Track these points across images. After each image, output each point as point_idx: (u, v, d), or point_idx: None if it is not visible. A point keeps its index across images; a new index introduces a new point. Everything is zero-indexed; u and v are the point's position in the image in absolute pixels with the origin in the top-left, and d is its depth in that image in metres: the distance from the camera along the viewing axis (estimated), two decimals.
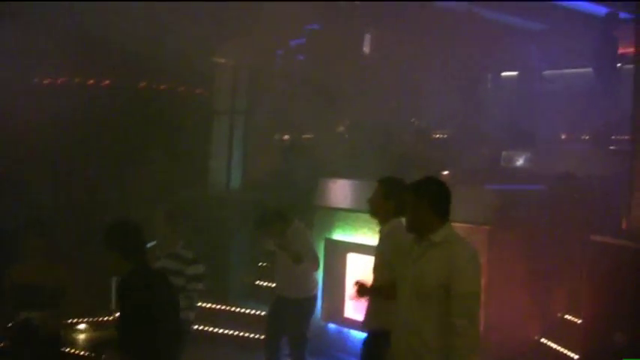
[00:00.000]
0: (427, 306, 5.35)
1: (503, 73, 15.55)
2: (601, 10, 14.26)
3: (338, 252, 10.59)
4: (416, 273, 5.46)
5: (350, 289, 9.52)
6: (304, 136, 14.42)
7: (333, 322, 10.71)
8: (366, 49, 15.05)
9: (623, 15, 13.57)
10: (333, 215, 10.83)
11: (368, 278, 6.92)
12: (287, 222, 8.96)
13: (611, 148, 10.84)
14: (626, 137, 9.27)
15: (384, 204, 6.95)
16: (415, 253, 5.52)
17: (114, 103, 12.04)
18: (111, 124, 12.02)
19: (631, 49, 13.40)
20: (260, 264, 12.34)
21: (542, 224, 8.93)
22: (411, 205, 5.54)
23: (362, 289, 6.83)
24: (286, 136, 14.81)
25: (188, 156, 12.28)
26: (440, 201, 5.52)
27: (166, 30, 11.22)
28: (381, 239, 6.98)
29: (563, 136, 13.10)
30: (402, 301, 5.57)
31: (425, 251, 5.46)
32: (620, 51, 13.77)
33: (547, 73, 14.89)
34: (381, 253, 6.93)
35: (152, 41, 11.15)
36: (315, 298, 9.35)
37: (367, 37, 14.99)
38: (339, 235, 10.69)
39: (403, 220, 6.35)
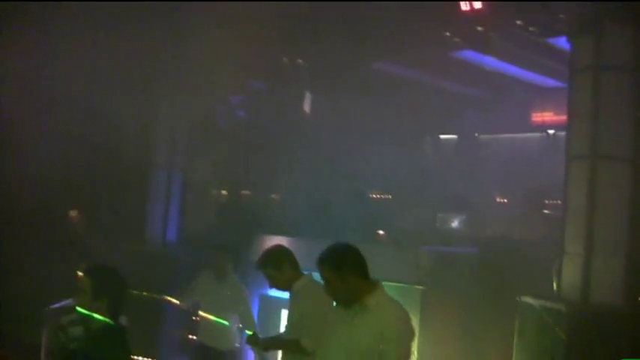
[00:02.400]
0: None
1: (442, 136, 15.81)
2: (535, 77, 14.62)
3: (272, 308, 10.54)
4: (348, 336, 5.45)
5: None
6: (242, 193, 14.44)
7: None
8: (307, 108, 15.17)
9: (553, 83, 13.95)
10: None
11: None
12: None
13: (545, 212, 11.03)
14: (559, 202, 9.46)
15: (279, 277, 7.26)
16: (346, 316, 5.50)
17: (52, 152, 11.94)
18: (47, 175, 11.90)
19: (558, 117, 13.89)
20: (194, 318, 12.22)
21: (475, 286, 9.01)
22: (333, 278, 5.48)
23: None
24: (224, 192, 14.81)
25: (125, 210, 12.21)
26: (361, 265, 5.53)
27: (106, 83, 11.22)
28: (292, 298, 7.21)
29: (498, 200, 13.33)
30: None
31: (356, 314, 5.44)
32: (553, 118, 14.14)
33: (484, 137, 15.18)
34: (293, 312, 7.17)
35: (92, 94, 11.13)
36: (238, 352, 9.39)
37: (308, 97, 15.11)
38: (272, 291, 10.64)
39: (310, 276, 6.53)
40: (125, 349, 5.41)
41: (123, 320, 6.95)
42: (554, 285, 8.16)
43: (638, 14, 7.94)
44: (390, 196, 13.22)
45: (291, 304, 7.20)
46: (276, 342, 7.61)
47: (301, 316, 6.91)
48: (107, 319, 5.33)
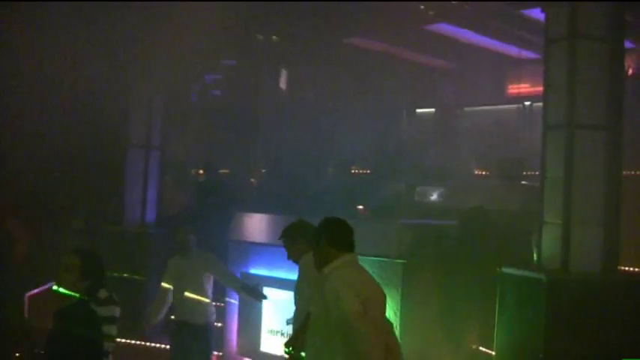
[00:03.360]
0: (328, 337, 5.63)
1: (419, 110, 15.81)
2: (511, 49, 14.65)
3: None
4: (318, 302, 5.80)
5: (267, 323, 9.70)
6: (220, 171, 14.38)
7: (248, 357, 10.62)
8: (283, 85, 15.13)
9: (529, 55, 13.98)
10: (249, 249, 10.79)
11: (283, 313, 7.04)
12: None
13: (523, 183, 11.05)
14: (536, 172, 9.50)
15: (293, 248, 7.43)
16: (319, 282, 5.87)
17: (27, 130, 11.87)
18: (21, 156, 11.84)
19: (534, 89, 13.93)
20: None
21: (455, 258, 9.03)
22: (314, 244, 5.92)
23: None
24: (201, 171, 14.74)
25: (104, 189, 12.18)
26: (336, 235, 5.85)
27: (82, 63, 11.14)
28: (300, 269, 7.33)
29: (475, 172, 13.34)
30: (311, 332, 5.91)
31: (321, 282, 5.80)
32: (529, 90, 14.18)
33: (460, 110, 15.21)
34: (299, 286, 7.32)
35: (69, 73, 11.06)
36: (212, 324, 9.48)
37: (283, 73, 15.07)
38: (254, 269, 10.64)
39: None
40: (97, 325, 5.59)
41: (103, 294, 7.05)
42: (534, 255, 8.19)
43: None
44: (367, 171, 13.18)
45: (299, 276, 7.29)
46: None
47: (309, 285, 6.97)
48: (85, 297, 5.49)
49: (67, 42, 11.36)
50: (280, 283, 9.79)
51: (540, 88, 8.63)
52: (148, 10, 11.93)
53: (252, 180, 13.83)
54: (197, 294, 9.34)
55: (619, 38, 8.16)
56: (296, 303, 7.44)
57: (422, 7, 12.67)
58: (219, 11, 12.07)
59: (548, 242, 7.93)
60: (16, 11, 11.02)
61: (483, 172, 13.05)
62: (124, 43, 12.06)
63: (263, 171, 13.93)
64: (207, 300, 9.48)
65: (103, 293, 7.16)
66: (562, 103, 7.90)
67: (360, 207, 10.83)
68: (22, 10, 11.08)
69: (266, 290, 10.24)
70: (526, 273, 7.88)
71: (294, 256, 7.50)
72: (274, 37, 14.09)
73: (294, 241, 7.44)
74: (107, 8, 11.55)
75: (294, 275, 7.66)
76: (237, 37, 13.94)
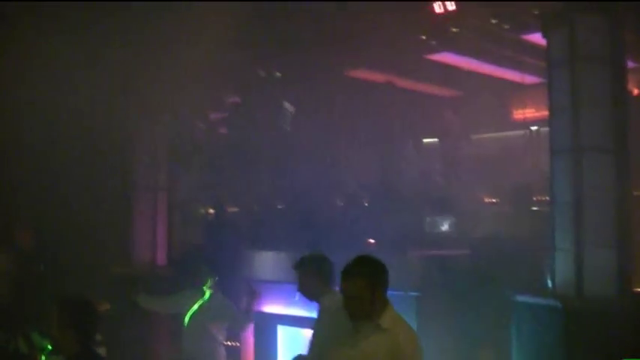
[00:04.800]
0: None
1: (425, 140, 15.80)
2: (514, 74, 14.65)
3: (268, 325, 10.47)
4: (357, 355, 5.34)
5: None
6: (229, 210, 14.36)
7: None
8: (287, 119, 15.14)
9: (532, 79, 13.97)
10: (260, 287, 10.73)
11: (299, 351, 6.90)
12: None
13: (533, 208, 10.99)
14: (546, 198, 9.44)
15: (309, 283, 7.02)
16: (356, 335, 5.39)
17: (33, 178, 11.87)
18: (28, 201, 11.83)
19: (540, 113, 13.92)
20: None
21: (469, 288, 8.96)
22: (365, 293, 5.28)
23: None
24: (211, 210, 14.72)
25: (111, 233, 12.14)
26: (382, 282, 5.39)
27: (86, 105, 11.16)
28: (322, 314, 6.92)
29: (485, 200, 13.30)
30: None
31: (369, 334, 5.32)
32: (535, 114, 14.17)
33: (467, 138, 15.19)
34: (320, 328, 6.85)
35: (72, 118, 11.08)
36: None
37: (287, 109, 15.09)
38: (268, 307, 10.58)
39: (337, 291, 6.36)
40: None
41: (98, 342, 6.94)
42: (549, 282, 8.12)
43: (609, 3, 7.95)
44: (376, 203, 13.13)
45: (321, 317, 6.99)
46: None
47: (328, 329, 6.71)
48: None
49: (69, 84, 11.35)
50: (295, 321, 9.72)
51: (545, 113, 8.61)
52: (150, 47, 11.93)
53: (260, 216, 13.74)
54: (208, 335, 9.23)
55: (620, 58, 8.13)
56: (311, 346, 7.01)
57: (423, 37, 12.69)
58: (222, 47, 12.11)
59: (562, 268, 7.86)
60: (16, 49, 11.00)
61: (493, 200, 13.00)
62: (127, 82, 12.06)
63: (269, 207, 13.87)
64: (219, 340, 9.37)
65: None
66: (567, 127, 7.87)
67: (371, 240, 10.76)
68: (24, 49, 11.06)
69: (281, 329, 10.20)
70: (541, 301, 7.81)
71: (306, 291, 7.23)
72: (277, 73, 14.14)
73: (309, 274, 7.13)
74: (108, 47, 11.55)
75: (309, 312, 7.44)
76: (240, 74, 13.97)
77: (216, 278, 9.33)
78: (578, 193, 7.70)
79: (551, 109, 8.26)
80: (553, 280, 7.96)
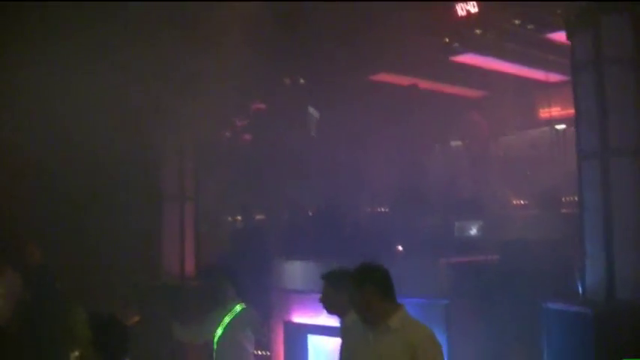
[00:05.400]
0: None
1: (453, 143, 15.71)
2: (539, 73, 14.54)
3: (298, 335, 10.45)
4: (375, 357, 5.46)
5: None
6: (257, 217, 14.37)
7: None
8: (313, 125, 15.14)
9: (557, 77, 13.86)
10: (290, 297, 10.72)
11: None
12: None
13: (562, 211, 10.89)
14: (575, 198, 9.33)
15: (335, 299, 6.88)
16: (371, 340, 5.51)
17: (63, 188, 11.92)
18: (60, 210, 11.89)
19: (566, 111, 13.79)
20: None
21: (499, 294, 8.90)
22: (354, 293, 5.57)
23: None
24: (239, 217, 14.74)
25: (141, 243, 12.19)
26: (386, 286, 5.54)
27: (111, 116, 11.20)
28: (343, 332, 6.77)
29: (514, 201, 13.19)
30: None
31: (382, 337, 5.43)
32: (561, 113, 14.05)
33: (493, 138, 15.11)
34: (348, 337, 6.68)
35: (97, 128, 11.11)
36: None
37: (313, 115, 15.08)
38: (297, 317, 10.56)
39: None
40: None
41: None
42: (579, 287, 8.04)
43: (634, 3, 7.85)
44: (403, 209, 13.08)
45: (348, 328, 6.89)
46: None
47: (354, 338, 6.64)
48: None
49: (97, 96, 11.39)
50: (325, 330, 9.68)
51: (571, 111, 8.53)
52: (175, 56, 11.96)
53: (288, 224, 13.70)
54: (238, 345, 9.17)
55: None
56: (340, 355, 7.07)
57: (446, 39, 12.65)
58: (246, 53, 12.12)
59: (592, 273, 7.78)
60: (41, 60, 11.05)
61: (521, 202, 12.91)
62: (153, 93, 12.09)
63: (297, 214, 13.83)
64: (249, 351, 9.32)
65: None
66: (594, 131, 7.78)
67: (399, 247, 10.72)
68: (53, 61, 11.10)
69: (311, 338, 10.17)
70: (571, 307, 7.73)
71: (331, 304, 7.13)
72: (301, 80, 14.13)
73: (338, 289, 7.03)
74: (134, 57, 11.58)
75: (339, 322, 7.38)
76: (265, 81, 13.97)
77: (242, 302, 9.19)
78: (607, 198, 7.61)
79: (577, 113, 8.17)
80: (583, 286, 7.88)
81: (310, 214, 13.15)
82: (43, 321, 10.21)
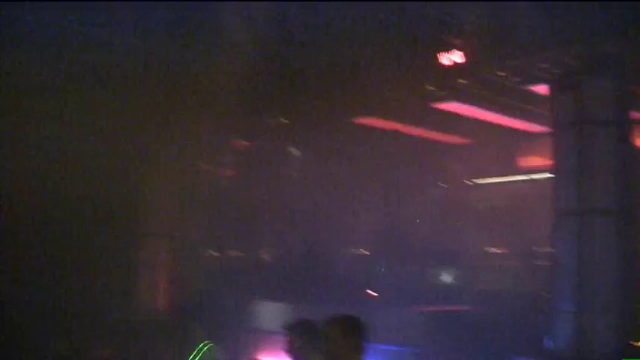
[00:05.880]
0: None
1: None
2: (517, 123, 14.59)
3: None
4: None
5: None
6: (233, 255, 14.33)
7: None
8: (293, 166, 15.13)
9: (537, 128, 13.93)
10: (258, 337, 10.69)
11: None
12: None
13: (536, 263, 10.91)
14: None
15: (299, 346, 6.92)
16: None
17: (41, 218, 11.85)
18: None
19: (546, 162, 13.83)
20: None
21: (470, 344, 8.90)
22: (340, 339, 5.32)
23: None
24: (214, 253, 14.66)
25: (114, 280, 12.11)
26: (363, 340, 5.45)
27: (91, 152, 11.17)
28: None
29: (488, 250, 13.19)
30: None
31: None
32: (538, 163, 14.12)
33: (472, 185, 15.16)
34: None
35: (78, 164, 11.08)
36: None
37: (294, 154, 15.09)
38: (264, 357, 10.51)
39: None
40: None
41: None
42: (550, 343, 8.06)
43: (619, 68, 7.94)
44: (377, 253, 13.08)
45: None
46: None
47: None
48: None
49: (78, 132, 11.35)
50: None
51: (550, 162, 8.57)
52: (158, 91, 11.96)
53: (265, 264, 13.64)
54: None
55: (627, 120, 8.13)
56: None
57: (431, 87, 12.67)
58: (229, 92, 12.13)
59: (562, 330, 7.81)
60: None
61: (496, 250, 12.94)
62: (133, 129, 12.07)
63: (273, 255, 13.79)
64: None
65: None
66: (573, 189, 7.84)
67: (371, 292, 10.70)
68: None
69: None
70: None
71: (295, 354, 7.11)
72: (282, 119, 14.13)
73: (301, 339, 7.01)
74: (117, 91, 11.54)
75: None
76: (247, 119, 13.96)
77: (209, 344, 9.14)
78: (582, 256, 7.67)
79: (557, 171, 8.25)
80: (554, 343, 7.89)
81: (284, 256, 13.11)
82: None
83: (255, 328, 10.76)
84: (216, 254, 14.43)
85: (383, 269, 11.14)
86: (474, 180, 15.51)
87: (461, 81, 12.32)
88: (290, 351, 6.94)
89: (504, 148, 14.93)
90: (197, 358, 8.82)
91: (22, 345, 10.36)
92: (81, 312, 11.49)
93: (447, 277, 11.46)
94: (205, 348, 8.79)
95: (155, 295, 12.66)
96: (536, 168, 14.84)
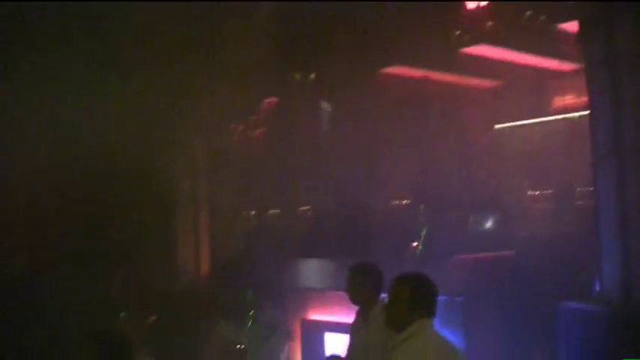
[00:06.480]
0: None
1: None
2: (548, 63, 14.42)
3: (315, 332, 10.48)
4: None
5: None
6: (270, 212, 14.37)
7: None
8: (324, 121, 15.08)
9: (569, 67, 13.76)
10: (307, 295, 10.75)
11: None
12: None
13: (578, 203, 10.80)
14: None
15: (360, 291, 7.00)
16: (395, 341, 5.44)
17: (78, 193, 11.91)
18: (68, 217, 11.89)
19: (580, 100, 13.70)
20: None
21: (515, 291, 8.88)
22: (406, 299, 5.39)
23: None
24: (253, 212, 14.72)
25: (155, 247, 12.19)
26: (419, 299, 5.40)
27: (119, 121, 11.19)
28: (367, 324, 6.94)
29: (530, 193, 13.10)
30: None
31: (393, 349, 5.41)
32: (576, 101, 13.97)
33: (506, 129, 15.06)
34: (366, 338, 6.89)
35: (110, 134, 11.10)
36: None
37: (325, 109, 15.03)
38: (314, 315, 10.59)
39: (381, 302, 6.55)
40: None
41: None
42: (596, 285, 8.00)
43: None
44: (417, 203, 13.03)
45: (359, 324, 7.07)
46: None
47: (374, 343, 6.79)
48: None
49: (107, 99, 11.36)
50: (343, 328, 9.69)
51: (585, 99, 8.46)
52: (185, 53, 11.93)
53: (302, 220, 13.66)
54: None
55: None
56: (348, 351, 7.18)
57: (457, 32, 12.55)
58: (255, 50, 12.09)
59: (608, 271, 7.73)
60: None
61: (537, 193, 12.85)
62: (163, 93, 12.06)
63: (311, 211, 13.82)
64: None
65: None
66: (609, 129, 7.71)
67: (414, 243, 10.69)
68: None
69: (328, 335, 10.21)
70: (588, 307, 7.70)
71: (354, 298, 7.23)
72: (312, 74, 14.07)
73: (358, 282, 7.08)
74: (143, 58, 11.53)
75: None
76: (275, 76, 13.92)
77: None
78: (623, 196, 7.55)
79: (591, 111, 8.11)
80: (600, 285, 7.84)
81: (325, 211, 13.11)
82: None
83: (302, 286, 10.81)
84: (254, 214, 14.48)
85: (425, 218, 11.06)
86: (507, 123, 15.40)
87: (488, 23, 12.20)
88: (349, 291, 7.07)
89: (536, 89, 14.77)
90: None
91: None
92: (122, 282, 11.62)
93: (489, 224, 11.38)
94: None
95: (197, 260, 12.72)
96: (572, 107, 14.71)
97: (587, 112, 8.63)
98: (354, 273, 7.10)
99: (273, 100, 15.56)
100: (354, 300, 7.11)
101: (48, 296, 10.73)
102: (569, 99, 14.86)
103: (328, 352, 10.16)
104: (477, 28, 12.34)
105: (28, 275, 11.25)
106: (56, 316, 10.47)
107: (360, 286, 7.01)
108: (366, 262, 7.23)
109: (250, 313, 9.19)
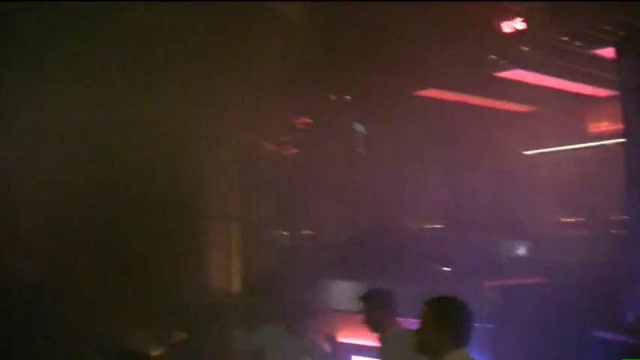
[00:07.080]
0: None
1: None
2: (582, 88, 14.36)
3: (342, 355, 10.45)
4: None
5: None
6: (303, 232, 14.40)
7: None
8: (358, 142, 15.11)
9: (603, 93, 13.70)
10: (335, 317, 10.73)
11: None
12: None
13: (611, 231, 10.72)
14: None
15: (373, 315, 7.16)
16: None
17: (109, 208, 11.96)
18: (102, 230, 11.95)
19: (616, 127, 13.60)
20: None
21: (546, 320, 8.81)
22: (432, 324, 5.25)
23: None
24: (285, 232, 14.75)
25: (187, 263, 12.24)
26: (447, 321, 5.25)
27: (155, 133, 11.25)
28: (383, 346, 7.14)
29: (560, 220, 13.03)
30: None
31: None
32: (610, 128, 13.88)
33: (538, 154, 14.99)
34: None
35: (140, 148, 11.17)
36: None
37: (358, 131, 15.07)
38: (342, 337, 10.56)
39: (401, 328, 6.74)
40: None
41: None
42: (628, 315, 7.93)
43: None
44: (447, 227, 13.01)
45: (383, 349, 7.19)
46: None
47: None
48: None
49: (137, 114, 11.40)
50: (370, 351, 9.67)
51: (619, 126, 8.41)
52: (219, 72, 11.97)
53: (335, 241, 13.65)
54: None
55: None
56: None
57: (493, 56, 12.53)
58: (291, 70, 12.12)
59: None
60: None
61: (569, 220, 12.77)
62: (196, 110, 12.12)
63: (343, 232, 13.81)
64: None
65: None
66: None
67: (446, 268, 10.66)
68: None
69: (355, 359, 10.19)
70: (619, 337, 7.62)
71: (374, 324, 7.32)
72: (347, 96, 14.11)
73: (377, 307, 7.18)
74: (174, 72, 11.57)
75: None
76: (310, 96, 13.98)
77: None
78: None
79: (626, 136, 8.08)
80: (632, 315, 7.77)
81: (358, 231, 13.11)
82: None
83: (330, 307, 10.79)
84: (284, 234, 14.52)
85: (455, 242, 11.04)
86: (541, 148, 15.33)
87: (523, 48, 12.17)
88: (367, 322, 7.18)
89: (570, 115, 14.70)
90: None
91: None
92: (152, 297, 11.65)
93: (518, 249, 11.32)
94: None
95: (226, 277, 12.76)
96: (605, 133, 14.62)
97: (620, 140, 8.60)
98: (366, 299, 7.25)
99: (307, 120, 15.60)
100: (369, 326, 7.23)
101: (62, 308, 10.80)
102: (604, 125, 14.78)
103: None
104: (513, 53, 12.31)
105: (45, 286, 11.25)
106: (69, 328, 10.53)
107: (373, 311, 7.16)
108: (378, 287, 7.39)
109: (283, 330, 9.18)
